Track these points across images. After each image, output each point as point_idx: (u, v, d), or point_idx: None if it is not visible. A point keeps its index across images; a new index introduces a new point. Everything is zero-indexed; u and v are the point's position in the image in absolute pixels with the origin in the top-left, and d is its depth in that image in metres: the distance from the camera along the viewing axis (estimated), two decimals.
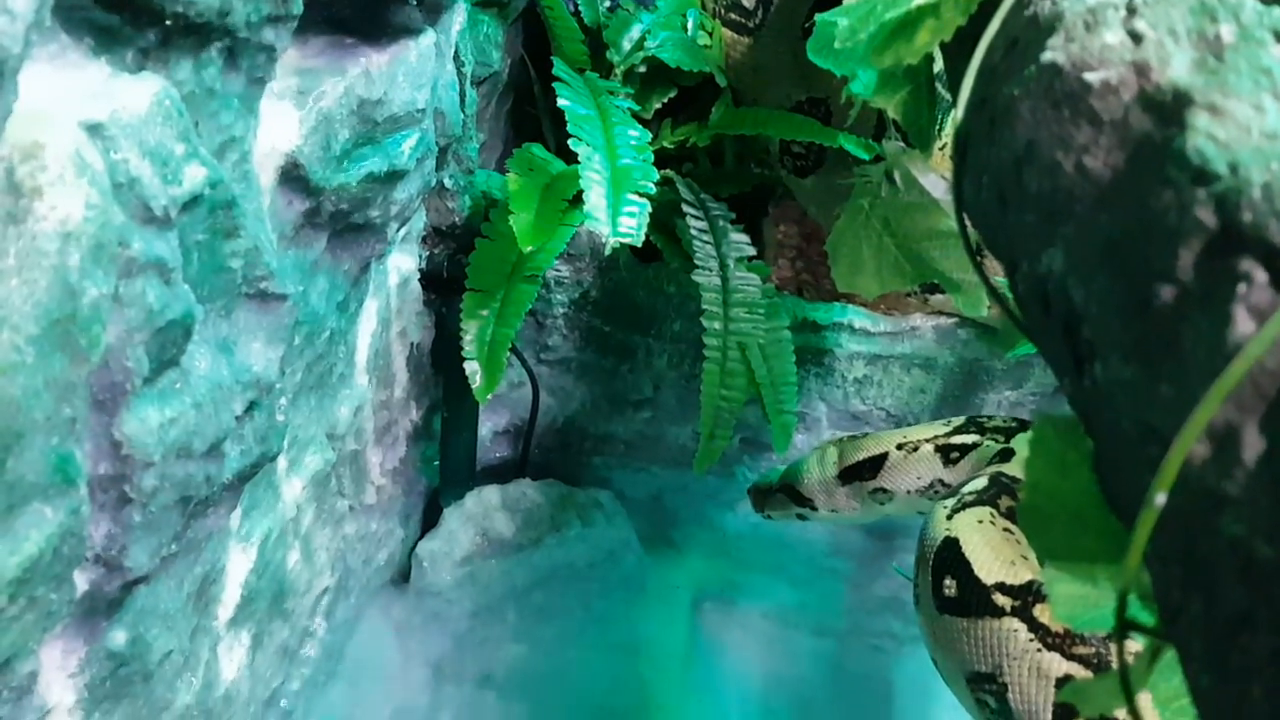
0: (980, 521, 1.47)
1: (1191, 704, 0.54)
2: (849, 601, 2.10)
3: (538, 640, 2.06)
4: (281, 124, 1.28)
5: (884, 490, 1.84)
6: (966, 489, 1.56)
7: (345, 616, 1.87)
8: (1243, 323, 0.48)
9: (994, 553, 1.40)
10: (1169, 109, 0.58)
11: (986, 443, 1.75)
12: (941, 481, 1.80)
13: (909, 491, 1.84)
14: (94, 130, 0.90)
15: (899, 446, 1.81)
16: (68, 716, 1.04)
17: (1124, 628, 0.55)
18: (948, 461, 1.79)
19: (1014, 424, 1.80)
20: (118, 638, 1.08)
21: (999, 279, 0.82)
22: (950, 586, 1.39)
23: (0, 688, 0.92)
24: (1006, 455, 1.69)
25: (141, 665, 1.14)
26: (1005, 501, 1.53)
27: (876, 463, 1.83)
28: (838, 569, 1.86)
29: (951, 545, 1.42)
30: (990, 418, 1.84)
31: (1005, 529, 1.47)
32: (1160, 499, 0.50)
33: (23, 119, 0.83)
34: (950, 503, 1.52)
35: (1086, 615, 0.67)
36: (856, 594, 1.87)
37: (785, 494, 1.96)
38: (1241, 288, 0.49)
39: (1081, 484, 0.65)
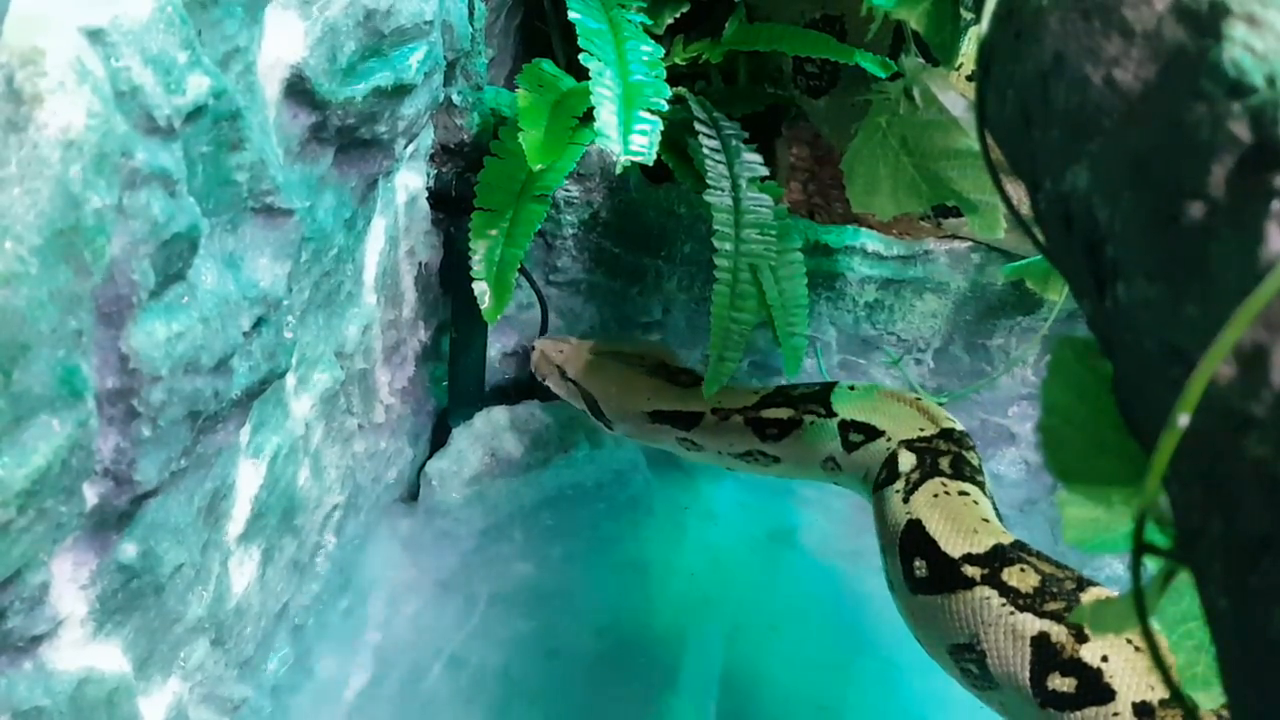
0: (936, 496, 1.49)
1: (1204, 626, 0.54)
2: (855, 524, 2.11)
3: (545, 559, 2.08)
4: (286, 34, 1.26)
5: (694, 443, 1.86)
6: (904, 469, 1.57)
7: (355, 533, 1.88)
8: (1275, 240, 0.47)
9: (954, 525, 1.43)
10: (1204, 19, 0.56)
11: (806, 419, 1.75)
12: (762, 453, 1.80)
13: (720, 453, 1.86)
14: (94, 36, 0.88)
15: (714, 411, 1.81)
16: (80, 628, 1.05)
17: (1141, 549, 0.55)
18: (765, 437, 1.79)
19: (817, 388, 1.80)
20: (128, 550, 1.09)
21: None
22: (921, 567, 1.42)
23: (12, 598, 0.93)
24: (870, 434, 1.69)
25: (152, 578, 1.15)
26: (943, 463, 1.56)
27: (691, 419, 1.84)
28: (844, 491, 1.86)
29: (915, 527, 1.45)
30: (795, 387, 1.84)
31: (961, 491, 1.50)
32: (1183, 420, 0.49)
33: (22, 23, 0.81)
34: (899, 486, 1.54)
35: (1096, 539, 0.66)
36: (863, 517, 1.87)
37: (581, 395, 1.95)
38: (1275, 204, 0.47)
39: (1099, 406, 0.64)
